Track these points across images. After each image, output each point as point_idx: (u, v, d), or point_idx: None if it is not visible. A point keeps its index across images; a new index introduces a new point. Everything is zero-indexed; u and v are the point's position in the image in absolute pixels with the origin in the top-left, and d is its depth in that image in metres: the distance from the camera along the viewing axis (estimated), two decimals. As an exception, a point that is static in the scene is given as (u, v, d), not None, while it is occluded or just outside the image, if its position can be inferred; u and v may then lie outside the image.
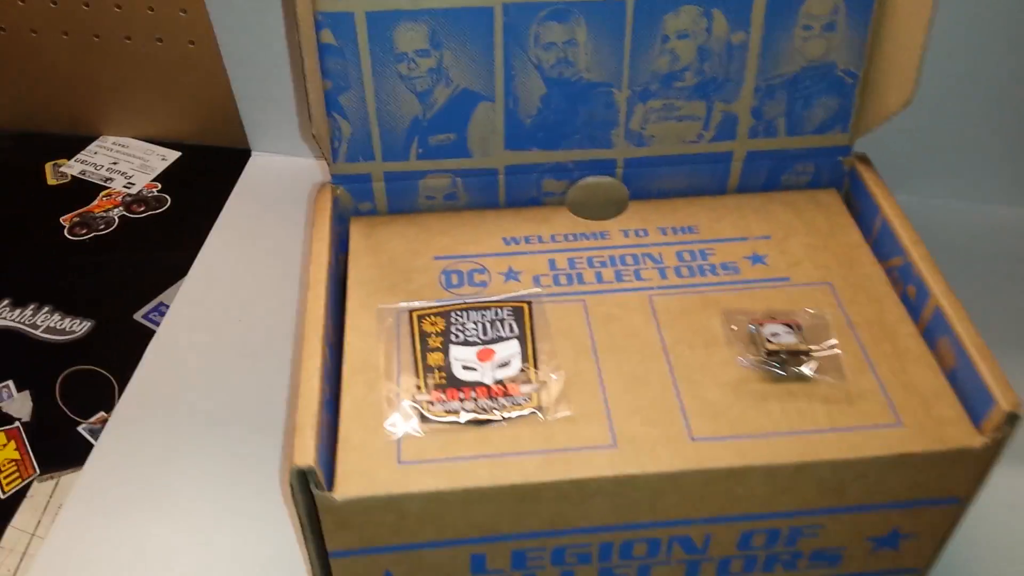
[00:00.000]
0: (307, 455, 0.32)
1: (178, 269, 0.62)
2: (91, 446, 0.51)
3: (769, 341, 0.37)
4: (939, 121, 0.57)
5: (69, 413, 0.53)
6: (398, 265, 0.42)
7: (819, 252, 0.42)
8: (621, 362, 0.37)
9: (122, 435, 0.51)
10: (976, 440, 0.34)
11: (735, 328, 0.38)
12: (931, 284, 0.38)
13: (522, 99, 0.42)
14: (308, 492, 0.32)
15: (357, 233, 0.44)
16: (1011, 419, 0.33)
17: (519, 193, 0.45)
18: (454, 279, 0.41)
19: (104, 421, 0.52)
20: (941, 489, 0.35)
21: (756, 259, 0.42)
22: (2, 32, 0.69)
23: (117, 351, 0.56)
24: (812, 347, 0.37)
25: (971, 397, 0.35)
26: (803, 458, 0.34)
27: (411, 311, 0.39)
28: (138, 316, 0.59)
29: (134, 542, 0.46)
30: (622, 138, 0.44)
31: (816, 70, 0.42)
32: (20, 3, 0.67)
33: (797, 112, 0.43)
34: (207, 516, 0.47)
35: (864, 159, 0.45)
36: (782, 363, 0.36)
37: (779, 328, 0.37)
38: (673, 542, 0.37)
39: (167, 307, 0.59)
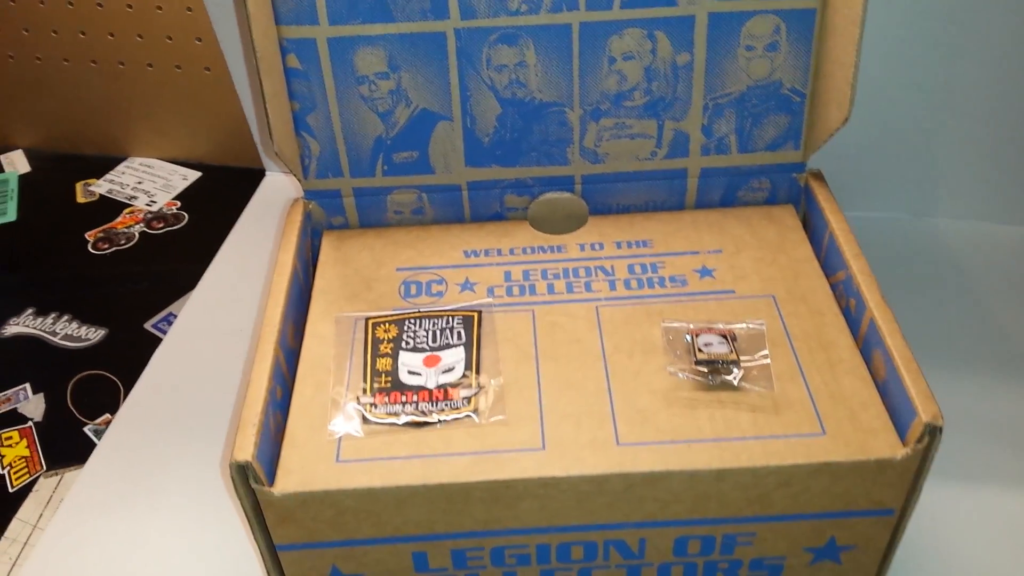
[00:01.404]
0: (246, 451, 0.34)
1: (189, 282, 0.66)
2: (94, 445, 0.54)
3: (700, 351, 0.38)
4: (898, 136, 0.57)
5: (77, 415, 0.57)
6: (362, 276, 0.44)
7: (767, 266, 0.43)
8: (560, 368, 0.39)
9: (123, 436, 0.55)
10: (898, 451, 0.34)
11: (671, 338, 0.39)
12: (867, 297, 0.39)
13: (479, 118, 0.44)
14: (250, 486, 0.34)
15: (328, 246, 0.46)
16: (931, 431, 0.34)
17: (483, 208, 0.47)
18: (413, 289, 0.43)
19: (108, 423, 0.56)
20: (869, 500, 0.36)
21: (704, 272, 0.43)
22: (38, 61, 0.74)
23: (126, 358, 0.60)
24: (743, 357, 0.38)
25: (898, 409, 0.36)
26: (723, 464, 0.35)
27: (367, 319, 0.42)
28: (148, 325, 0.63)
29: (127, 536, 0.49)
30: (577, 155, 0.45)
31: (763, 89, 0.43)
32: (53, 34, 0.73)
33: (747, 130, 0.44)
34: (198, 515, 0.49)
35: (818, 176, 0.46)
36: (710, 372, 0.37)
37: (713, 338, 0.38)
38: (609, 546, 0.38)
39: (175, 317, 0.63)
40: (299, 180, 0.46)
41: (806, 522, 0.37)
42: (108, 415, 0.56)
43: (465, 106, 0.44)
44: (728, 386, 0.37)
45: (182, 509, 0.50)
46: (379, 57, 0.43)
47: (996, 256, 0.60)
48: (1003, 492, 0.46)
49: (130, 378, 0.58)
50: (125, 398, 0.57)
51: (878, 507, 0.36)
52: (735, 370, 0.37)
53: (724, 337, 0.38)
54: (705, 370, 0.37)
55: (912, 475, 0.35)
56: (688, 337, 0.39)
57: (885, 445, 0.35)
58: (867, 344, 0.39)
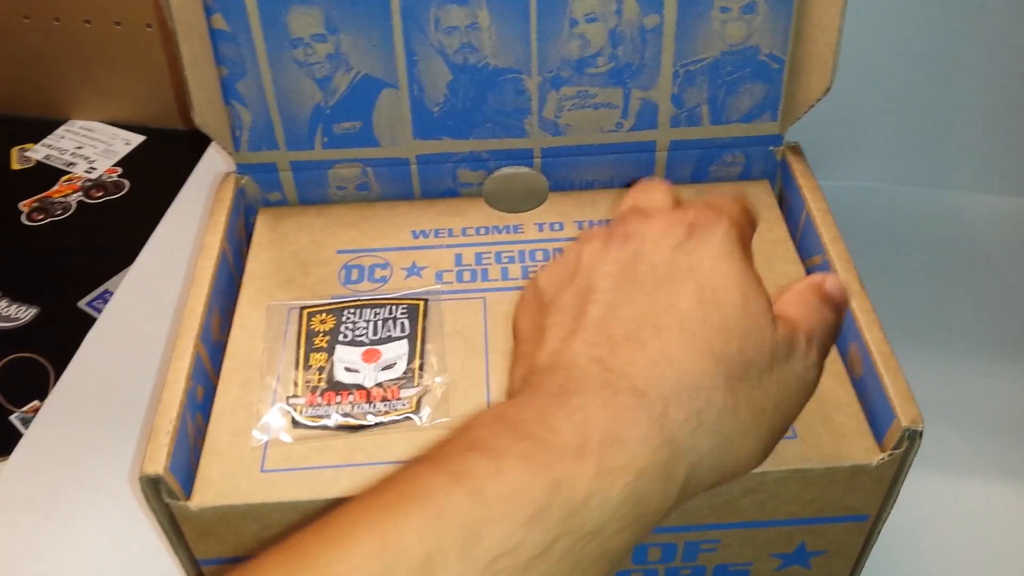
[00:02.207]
0: (158, 463, 0.30)
1: (127, 256, 0.61)
2: (21, 435, 0.51)
3: None
4: (875, 101, 0.54)
5: (3, 402, 0.53)
6: (299, 259, 0.41)
7: (738, 249, 0.39)
8: (509, 362, 0.36)
9: (52, 426, 0.51)
10: (874, 456, 0.32)
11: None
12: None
13: (427, 86, 0.40)
14: (163, 501, 0.31)
15: (263, 225, 0.43)
16: (910, 435, 0.31)
17: (434, 184, 0.43)
18: (354, 274, 0.40)
19: (37, 410, 0.52)
20: (842, 506, 0.33)
21: (671, 256, 0.39)
22: (-37, 17, 0.69)
23: (58, 339, 0.56)
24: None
25: (875, 409, 0.33)
26: (686, 472, 0.32)
27: (302, 308, 0.38)
28: (82, 304, 0.59)
29: (55, 535, 0.45)
30: (536, 127, 0.41)
31: (738, 55, 0.39)
32: (-21, -12, 0.67)
33: (721, 99, 0.41)
34: (132, 512, 0.46)
35: (795, 149, 0.42)
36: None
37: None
38: (564, 554, 0.35)
39: (111, 294, 0.59)
40: (229, 153, 0.42)
41: (774, 528, 0.34)
42: (37, 402, 0.53)
43: (412, 72, 0.40)
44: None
45: (115, 505, 0.46)
46: (315, 17, 0.38)
47: (979, 226, 0.57)
48: (984, 486, 0.43)
49: (61, 361, 0.54)
50: (55, 383, 0.53)
51: (851, 513, 0.34)
52: None
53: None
54: None
55: (889, 481, 0.32)
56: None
57: (860, 450, 0.32)
58: (843, 337, 0.36)
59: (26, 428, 0.51)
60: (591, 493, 0.21)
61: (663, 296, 0.24)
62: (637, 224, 0.26)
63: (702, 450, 0.23)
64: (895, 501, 0.33)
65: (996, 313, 0.52)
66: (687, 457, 0.23)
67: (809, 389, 0.26)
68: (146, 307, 0.57)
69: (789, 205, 0.42)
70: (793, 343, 0.25)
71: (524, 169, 0.43)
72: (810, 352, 0.25)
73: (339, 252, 0.41)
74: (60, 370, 0.54)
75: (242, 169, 0.42)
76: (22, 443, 0.50)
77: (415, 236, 0.42)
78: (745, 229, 0.26)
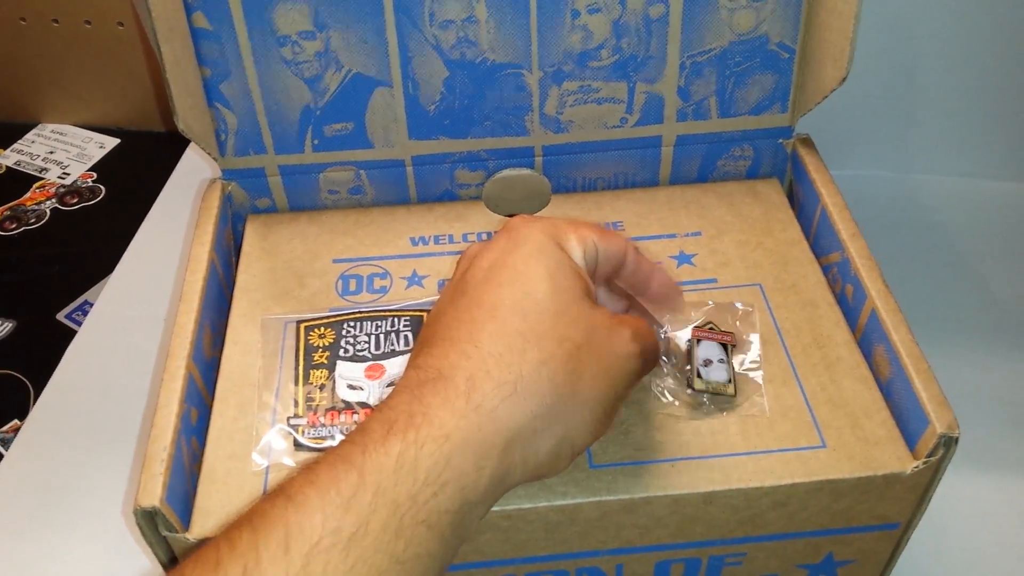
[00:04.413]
0: (153, 495, 0.28)
1: (106, 265, 0.59)
2: (1, 456, 0.48)
3: (699, 376, 0.33)
4: (871, 89, 0.53)
5: (-19, 422, 0.51)
6: (293, 269, 0.39)
7: (752, 250, 0.38)
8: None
9: (33, 446, 0.49)
10: (907, 464, 0.30)
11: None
12: (868, 285, 0.34)
13: (423, 83, 0.38)
14: (160, 534, 0.29)
15: (252, 233, 0.40)
16: (946, 441, 0.30)
17: (431, 186, 0.41)
18: (352, 285, 0.38)
19: (17, 430, 0.50)
20: (873, 515, 0.32)
21: (683, 259, 0.38)
22: (-75, 18, 0.66)
23: (37, 354, 0.54)
24: (736, 370, 0.33)
25: (905, 414, 0.31)
26: (712, 486, 0.30)
27: (299, 322, 0.36)
28: (61, 316, 0.56)
29: (38, 560, 0.43)
30: (537, 124, 0.40)
31: (747, 45, 0.38)
32: (-59, -13, 0.64)
33: (729, 91, 0.39)
34: (118, 533, 0.44)
35: (807, 141, 0.41)
36: (706, 399, 0.32)
37: (713, 350, 0.33)
38: (582, 573, 0.33)
39: (91, 305, 0.56)
40: (215, 158, 0.39)
41: (802, 540, 0.33)
42: (17, 421, 0.50)
43: (406, 69, 0.38)
44: (718, 392, 0.32)
45: (100, 527, 0.44)
46: (302, 13, 0.36)
47: (978, 214, 0.56)
48: (1009, 485, 0.42)
49: (41, 378, 0.52)
50: (35, 401, 0.51)
51: (882, 522, 0.32)
52: (728, 403, 0.32)
53: (724, 347, 0.33)
54: (701, 399, 0.32)
55: (922, 489, 0.31)
56: (686, 342, 0.34)
57: (892, 457, 0.31)
58: (867, 338, 0.34)
59: (6, 449, 0.49)
60: (399, 465, 0.23)
61: (480, 295, 0.27)
62: (472, 246, 0.30)
63: (522, 417, 0.25)
64: (927, 508, 0.32)
65: (1019, 304, 0.50)
66: (505, 423, 0.25)
67: (630, 373, 0.28)
68: (128, 318, 0.55)
69: (801, 200, 0.40)
70: (614, 329, 0.28)
71: (525, 171, 0.41)
72: (631, 343, 0.28)
73: (335, 261, 0.39)
74: (40, 387, 0.52)
75: (228, 175, 0.40)
76: (2, 465, 0.48)
77: (414, 243, 0.40)
78: (560, 229, 0.29)
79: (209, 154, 0.39)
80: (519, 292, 0.27)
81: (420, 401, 0.24)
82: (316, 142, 0.40)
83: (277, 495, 0.23)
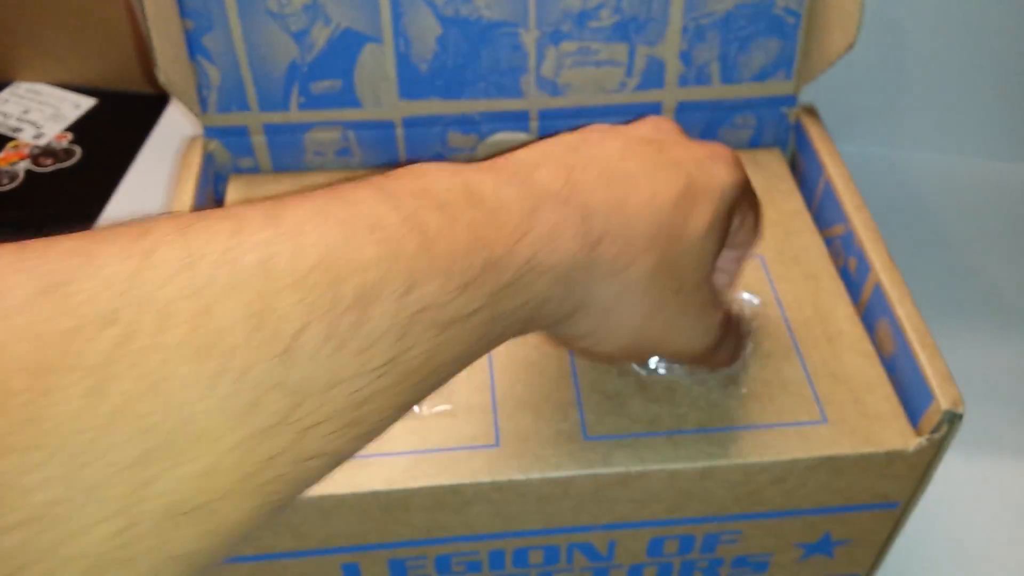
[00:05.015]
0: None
1: (82, 228, 0.57)
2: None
3: None
4: (863, 62, 0.51)
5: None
6: (276, 232, 0.37)
7: (752, 218, 0.37)
8: (515, 347, 0.33)
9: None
10: (910, 441, 0.29)
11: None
12: (872, 258, 0.33)
13: (415, 41, 0.37)
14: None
15: (234, 194, 0.39)
16: (950, 418, 0.29)
17: (421, 149, 0.40)
18: (338, 248, 0.36)
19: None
20: (873, 493, 0.31)
21: (681, 226, 0.37)
22: None
23: (9, 319, 0.52)
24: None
25: (909, 389, 0.31)
26: (709, 461, 0.29)
27: (282, 286, 0.35)
28: (34, 281, 0.54)
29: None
30: (533, 86, 0.38)
31: (752, 8, 0.36)
32: (-94, -65, 0.61)
33: (732, 56, 0.38)
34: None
35: (811, 111, 0.40)
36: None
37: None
38: (573, 549, 0.32)
39: (66, 270, 0.55)
40: (196, 115, 0.38)
41: (799, 518, 0.32)
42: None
43: (397, 25, 0.36)
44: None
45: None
46: (289, -38, 0.35)
47: (977, 194, 0.55)
48: (1006, 463, 0.41)
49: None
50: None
51: (882, 500, 0.32)
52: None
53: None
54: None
55: (924, 467, 0.30)
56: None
57: (895, 434, 0.30)
58: (870, 312, 0.33)
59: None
60: (515, 279, 0.21)
61: (616, 146, 0.26)
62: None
63: (610, 203, 0.24)
64: (927, 487, 0.31)
65: (1017, 287, 0.50)
66: (592, 203, 0.24)
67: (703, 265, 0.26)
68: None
69: (804, 171, 0.39)
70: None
71: (520, 135, 0.40)
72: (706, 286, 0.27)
73: (320, 224, 0.37)
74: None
75: (210, 133, 0.39)
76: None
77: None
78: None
79: (191, 110, 0.37)
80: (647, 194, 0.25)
81: (559, 224, 0.23)
82: (302, 100, 0.38)
83: (415, 225, 0.21)
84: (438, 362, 0.20)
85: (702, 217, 0.25)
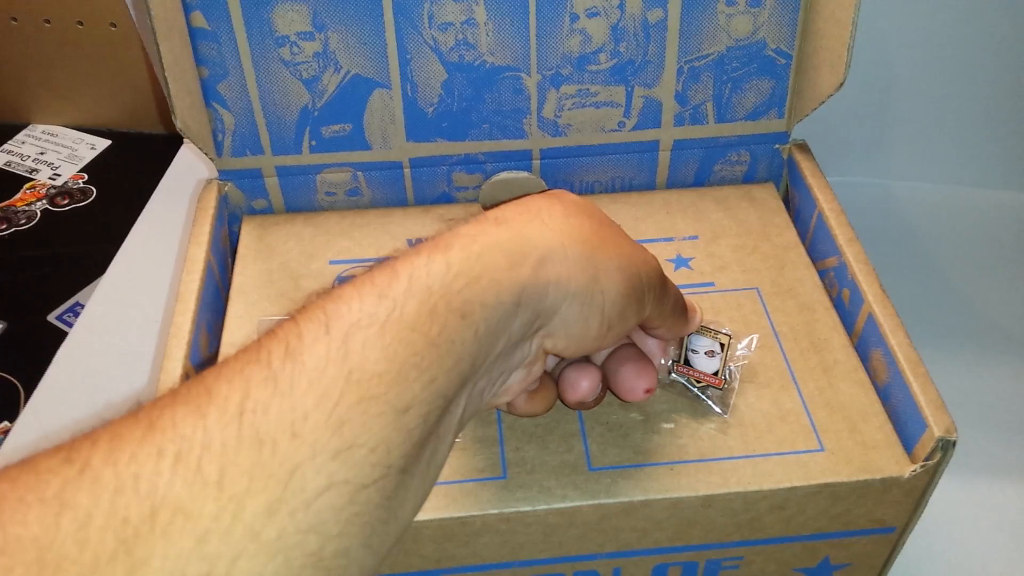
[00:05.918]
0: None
1: (98, 266, 0.58)
2: (-10, 460, 0.48)
3: (688, 364, 0.33)
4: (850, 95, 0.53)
5: (-31, 425, 0.50)
6: (289, 270, 0.38)
7: (748, 254, 0.38)
8: (521, 379, 0.34)
9: (22, 449, 0.48)
10: (905, 468, 0.30)
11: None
12: (865, 289, 0.34)
13: (421, 85, 0.38)
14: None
15: (248, 235, 0.40)
16: (944, 445, 0.30)
17: (428, 188, 0.41)
18: (348, 286, 0.38)
19: (7, 432, 0.49)
20: (871, 519, 0.32)
21: (680, 262, 0.38)
22: (-84, 16, 0.65)
23: (27, 356, 0.53)
24: (730, 364, 0.33)
25: (903, 417, 0.32)
26: (711, 489, 0.30)
27: (295, 323, 0.36)
28: (52, 317, 0.56)
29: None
30: (535, 127, 0.40)
31: (744, 50, 0.38)
32: (-68, -14, 0.63)
33: (726, 96, 0.39)
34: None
35: (803, 147, 0.41)
36: (698, 387, 0.33)
37: (703, 343, 0.33)
38: (578, 576, 0.33)
39: (82, 307, 0.56)
40: (211, 159, 0.39)
41: (799, 544, 0.33)
42: (7, 423, 0.50)
43: (405, 71, 0.38)
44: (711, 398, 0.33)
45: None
46: (301, 14, 0.36)
47: (996, 223, 0.56)
48: (1003, 489, 0.42)
49: (32, 379, 0.52)
50: (26, 403, 0.50)
51: (879, 525, 0.32)
52: (715, 406, 0.32)
53: (717, 342, 0.33)
54: (693, 384, 0.32)
55: (919, 492, 0.31)
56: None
57: (891, 461, 0.31)
58: (864, 342, 0.34)
59: (-5, 452, 0.48)
60: (430, 260, 0.23)
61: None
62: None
63: (553, 239, 0.25)
64: (923, 511, 0.32)
65: (1012, 310, 0.50)
66: (535, 240, 0.25)
67: (653, 268, 0.28)
68: (120, 319, 0.55)
69: (798, 205, 0.40)
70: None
71: (522, 174, 0.41)
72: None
73: (331, 263, 0.39)
74: (31, 389, 0.51)
75: (225, 175, 0.40)
76: (-9, 469, 0.47)
77: (411, 245, 0.39)
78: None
79: (206, 154, 0.38)
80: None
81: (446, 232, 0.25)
82: (314, 143, 0.39)
83: (315, 297, 0.24)
84: None
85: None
